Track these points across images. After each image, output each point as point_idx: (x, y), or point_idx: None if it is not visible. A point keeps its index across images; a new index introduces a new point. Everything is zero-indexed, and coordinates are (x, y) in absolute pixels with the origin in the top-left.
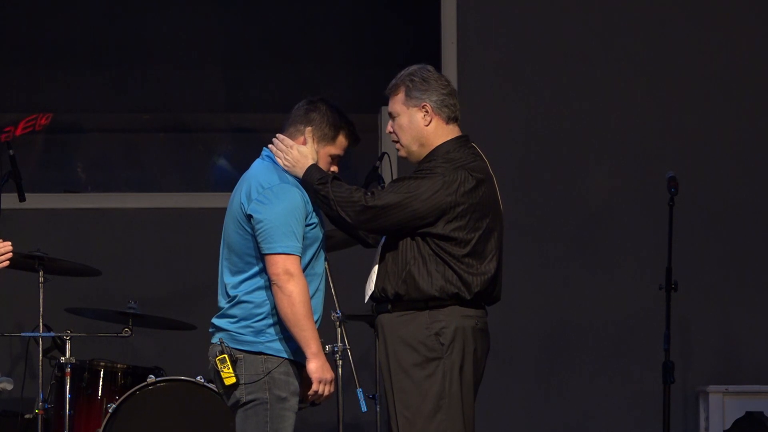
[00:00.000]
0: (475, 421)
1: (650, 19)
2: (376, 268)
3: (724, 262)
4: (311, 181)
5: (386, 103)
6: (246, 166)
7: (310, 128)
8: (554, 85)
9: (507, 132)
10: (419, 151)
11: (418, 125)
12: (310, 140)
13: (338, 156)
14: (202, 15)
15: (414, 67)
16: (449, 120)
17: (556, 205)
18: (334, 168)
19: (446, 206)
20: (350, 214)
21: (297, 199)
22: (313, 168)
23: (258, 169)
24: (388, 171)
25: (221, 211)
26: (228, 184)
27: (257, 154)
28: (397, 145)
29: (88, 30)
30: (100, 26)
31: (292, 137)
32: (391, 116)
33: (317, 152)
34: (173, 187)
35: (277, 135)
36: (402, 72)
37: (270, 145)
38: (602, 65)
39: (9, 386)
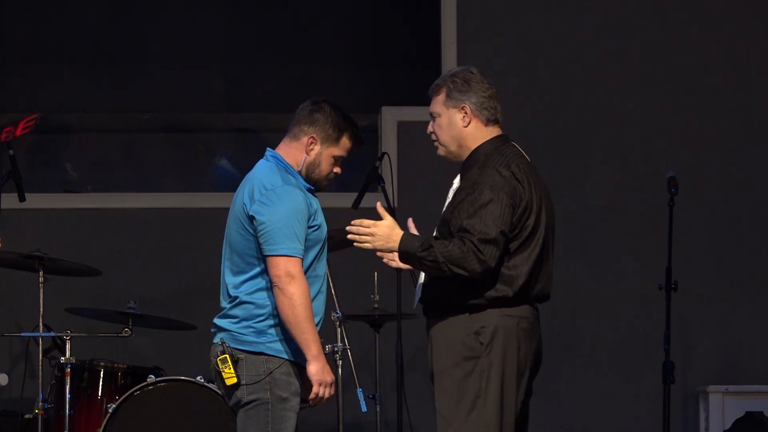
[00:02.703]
0: (520, 417)
1: (650, 19)
2: (423, 275)
3: (724, 262)
4: (412, 250)
5: (386, 103)
6: (246, 166)
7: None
8: (554, 85)
9: (507, 132)
10: (458, 152)
11: (457, 126)
12: (386, 214)
13: (341, 157)
14: (201, 15)
15: (457, 69)
16: (488, 122)
17: (556, 205)
18: (336, 169)
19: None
20: (469, 268)
21: (299, 200)
22: (407, 237)
23: (262, 169)
24: (388, 171)
25: (221, 211)
26: (228, 184)
27: (257, 154)
28: (436, 144)
29: (88, 30)
30: (100, 26)
31: (296, 138)
32: (432, 116)
33: (320, 153)
34: (173, 187)
35: (353, 222)
36: (445, 73)
37: (349, 236)
38: (602, 65)
39: (3, 381)
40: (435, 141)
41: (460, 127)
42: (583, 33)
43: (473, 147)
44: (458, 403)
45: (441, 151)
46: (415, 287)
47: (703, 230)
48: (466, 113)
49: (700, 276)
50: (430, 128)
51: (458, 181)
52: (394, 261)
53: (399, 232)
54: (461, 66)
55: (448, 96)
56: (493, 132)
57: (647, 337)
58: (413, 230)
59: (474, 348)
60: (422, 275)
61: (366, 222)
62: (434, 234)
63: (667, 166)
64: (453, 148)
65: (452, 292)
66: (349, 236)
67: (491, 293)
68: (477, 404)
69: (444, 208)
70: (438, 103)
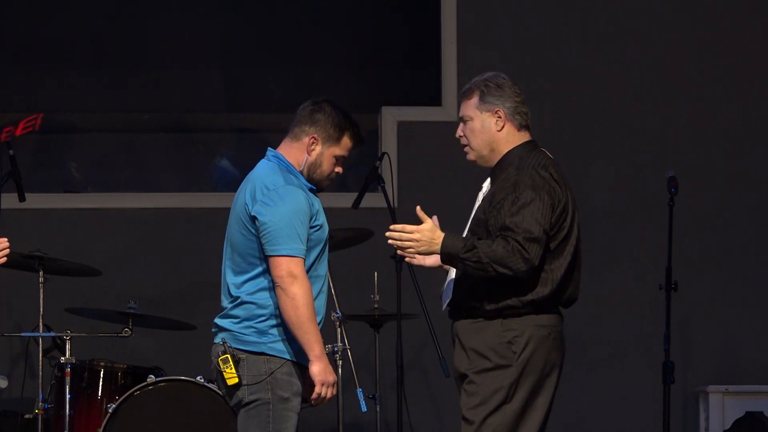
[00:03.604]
0: (545, 427)
1: (650, 19)
2: (452, 274)
3: (724, 262)
4: (455, 251)
5: (386, 103)
6: (246, 166)
7: None
8: (554, 85)
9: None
10: (489, 156)
11: (490, 130)
12: (426, 217)
13: (342, 157)
14: (202, 15)
15: (489, 74)
16: (521, 127)
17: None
18: (338, 169)
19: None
20: (514, 267)
21: (301, 201)
22: (449, 238)
23: (263, 169)
24: (388, 171)
25: (221, 211)
26: (228, 184)
27: (257, 154)
28: (466, 149)
29: (87, 30)
30: (99, 26)
31: (297, 138)
32: (463, 120)
33: (322, 153)
34: (173, 187)
35: (393, 227)
36: (476, 77)
37: (390, 241)
38: (602, 65)
39: (3, 383)
40: (465, 145)
41: (494, 131)
42: (583, 33)
43: (505, 151)
44: (483, 407)
45: (471, 156)
46: (416, 287)
47: (703, 230)
48: (499, 117)
49: (700, 276)
50: (459, 131)
51: (488, 185)
52: (416, 258)
53: (440, 234)
54: (492, 72)
55: (482, 100)
56: (523, 137)
57: (647, 337)
58: (437, 223)
59: (506, 356)
60: (451, 273)
61: (409, 227)
62: (464, 234)
63: (667, 166)
64: (485, 152)
65: (485, 294)
66: (390, 242)
67: (527, 296)
68: (502, 410)
69: (474, 210)
70: (470, 107)
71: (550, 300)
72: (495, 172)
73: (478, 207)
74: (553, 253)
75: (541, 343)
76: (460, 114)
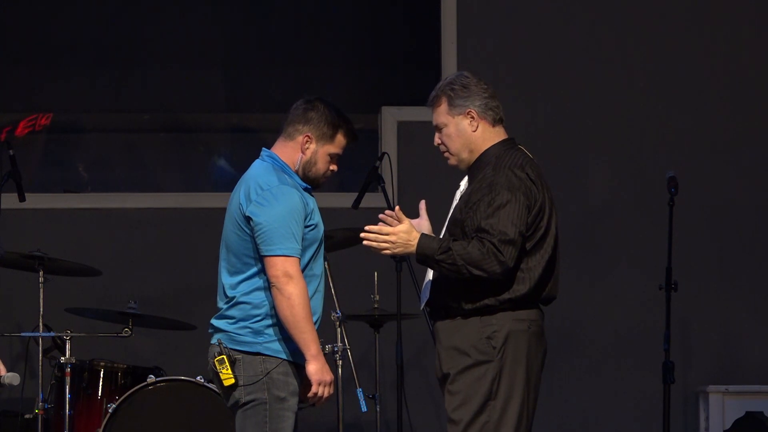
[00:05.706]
0: (531, 421)
1: (650, 18)
2: (430, 275)
3: (724, 262)
4: (430, 253)
5: (386, 103)
6: (246, 166)
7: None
8: (554, 85)
9: (506, 132)
10: (469, 158)
11: (465, 132)
12: (404, 218)
13: (337, 154)
14: (202, 15)
15: (451, 76)
16: (495, 122)
17: (555, 205)
18: (333, 167)
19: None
20: (488, 269)
21: (296, 200)
22: (425, 239)
23: (257, 170)
24: (388, 171)
25: (221, 211)
26: (228, 184)
27: (257, 154)
28: (446, 154)
29: (88, 30)
30: (100, 26)
31: (291, 137)
32: (438, 128)
33: (316, 152)
34: (173, 187)
35: (369, 228)
36: (440, 83)
37: (365, 242)
38: (602, 65)
39: (15, 381)
40: (445, 152)
41: (470, 132)
42: (583, 33)
43: (483, 150)
44: (468, 406)
45: (453, 161)
46: (416, 287)
47: (703, 230)
48: (473, 118)
49: (700, 276)
50: (437, 140)
51: (465, 183)
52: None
53: (416, 236)
54: (454, 73)
55: (451, 104)
56: (500, 133)
57: (647, 337)
58: (424, 212)
59: (486, 352)
60: (428, 274)
61: (385, 229)
62: (442, 234)
63: (667, 166)
64: (465, 155)
65: (462, 293)
66: (365, 243)
67: (504, 295)
68: (487, 408)
69: (452, 209)
70: (441, 114)
71: (527, 298)
72: (472, 171)
73: (455, 207)
74: (530, 253)
75: (520, 336)
76: (434, 123)
